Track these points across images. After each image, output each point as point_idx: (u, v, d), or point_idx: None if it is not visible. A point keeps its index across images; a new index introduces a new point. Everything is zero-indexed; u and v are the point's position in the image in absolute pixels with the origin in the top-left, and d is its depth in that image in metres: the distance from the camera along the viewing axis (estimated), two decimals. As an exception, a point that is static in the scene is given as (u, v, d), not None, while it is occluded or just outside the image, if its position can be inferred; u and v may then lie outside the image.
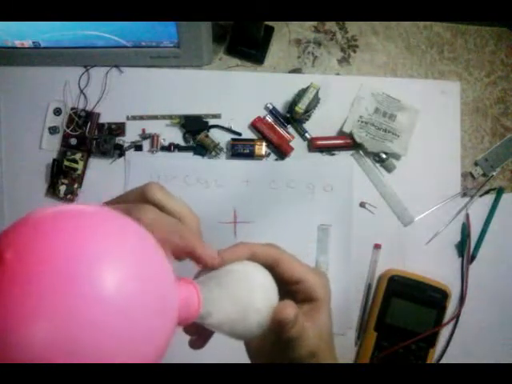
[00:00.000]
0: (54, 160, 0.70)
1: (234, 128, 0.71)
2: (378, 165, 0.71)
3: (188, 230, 0.29)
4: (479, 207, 0.71)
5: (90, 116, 0.71)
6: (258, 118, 0.71)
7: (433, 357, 0.67)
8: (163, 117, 0.71)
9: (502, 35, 0.75)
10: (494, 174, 0.72)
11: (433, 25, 0.75)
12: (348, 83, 0.73)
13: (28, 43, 0.66)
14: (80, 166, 0.70)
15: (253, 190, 0.70)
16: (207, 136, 0.70)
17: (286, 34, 0.74)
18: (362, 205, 0.71)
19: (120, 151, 0.70)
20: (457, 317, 0.69)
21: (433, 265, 0.69)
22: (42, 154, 0.71)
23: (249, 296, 0.29)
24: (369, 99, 0.72)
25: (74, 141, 0.71)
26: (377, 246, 0.70)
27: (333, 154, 0.72)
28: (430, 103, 0.72)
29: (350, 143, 0.71)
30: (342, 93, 0.72)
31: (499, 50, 0.75)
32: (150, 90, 0.72)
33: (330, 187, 0.70)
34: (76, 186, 0.70)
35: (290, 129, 0.72)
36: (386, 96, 0.72)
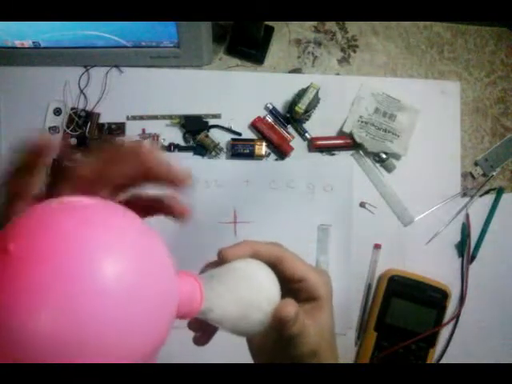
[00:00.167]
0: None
1: (234, 128, 0.71)
2: (378, 165, 0.71)
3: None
4: (479, 207, 0.71)
5: (89, 116, 0.71)
6: (258, 117, 0.71)
7: (433, 357, 0.67)
8: (163, 117, 0.71)
9: (502, 35, 0.75)
10: (494, 174, 0.72)
11: (433, 25, 0.75)
12: (348, 83, 0.73)
13: (28, 43, 0.66)
14: (80, 166, 0.70)
15: (253, 190, 0.70)
16: (207, 136, 0.70)
17: (286, 34, 0.74)
18: (362, 205, 0.71)
19: (120, 151, 0.70)
20: (457, 317, 0.69)
21: (433, 265, 0.69)
22: (42, 154, 0.71)
23: (251, 294, 0.29)
24: (369, 99, 0.72)
25: (74, 141, 0.71)
26: (377, 246, 0.70)
27: (333, 154, 0.72)
28: (430, 103, 0.72)
29: (350, 143, 0.71)
30: (342, 93, 0.72)
31: (499, 50, 0.75)
32: (150, 90, 0.72)
33: (330, 187, 0.70)
34: (76, 186, 0.70)
35: (290, 129, 0.72)
36: (386, 96, 0.72)
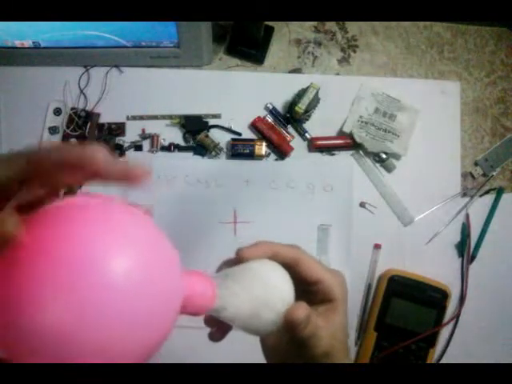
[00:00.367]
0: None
1: (234, 128, 0.71)
2: (378, 165, 0.71)
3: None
4: (479, 207, 0.71)
5: (89, 116, 0.71)
6: (258, 117, 0.71)
7: (433, 357, 0.67)
8: (163, 117, 0.71)
9: (502, 35, 0.75)
10: (494, 174, 0.72)
11: (433, 25, 0.75)
12: (348, 83, 0.73)
13: (28, 43, 0.66)
14: (80, 166, 0.70)
15: (253, 190, 0.70)
16: (207, 136, 0.70)
17: (286, 34, 0.74)
18: (362, 205, 0.71)
19: (120, 151, 0.70)
20: (457, 317, 0.69)
21: (433, 265, 0.69)
22: (42, 154, 0.71)
23: (265, 294, 0.30)
24: (369, 99, 0.72)
25: (74, 141, 0.71)
26: (377, 246, 0.70)
27: (333, 154, 0.72)
28: (430, 103, 0.72)
29: (350, 143, 0.71)
30: (342, 93, 0.72)
31: (499, 50, 0.75)
32: (150, 90, 0.72)
33: (330, 187, 0.70)
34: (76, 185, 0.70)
35: (290, 129, 0.72)
36: (386, 96, 0.72)
